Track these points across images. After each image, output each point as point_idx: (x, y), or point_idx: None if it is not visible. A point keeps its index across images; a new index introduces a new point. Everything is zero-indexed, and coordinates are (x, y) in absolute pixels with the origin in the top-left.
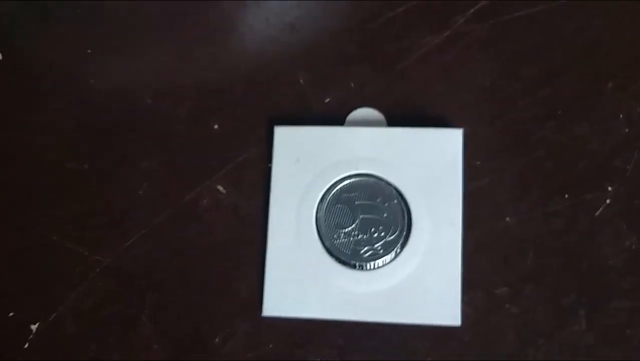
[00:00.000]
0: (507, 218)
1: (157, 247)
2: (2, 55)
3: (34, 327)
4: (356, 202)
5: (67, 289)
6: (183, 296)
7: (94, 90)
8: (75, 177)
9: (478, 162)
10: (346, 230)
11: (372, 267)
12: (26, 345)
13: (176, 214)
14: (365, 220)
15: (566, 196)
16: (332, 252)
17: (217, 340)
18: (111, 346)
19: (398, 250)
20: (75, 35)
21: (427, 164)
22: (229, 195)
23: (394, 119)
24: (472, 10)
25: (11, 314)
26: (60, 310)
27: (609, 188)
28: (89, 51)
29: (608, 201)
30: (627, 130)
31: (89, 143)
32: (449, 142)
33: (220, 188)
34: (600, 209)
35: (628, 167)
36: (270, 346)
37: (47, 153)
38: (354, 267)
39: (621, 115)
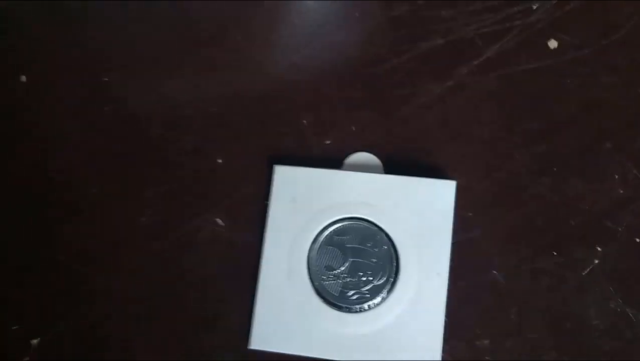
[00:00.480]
0: (494, 272)
1: (155, 273)
2: (26, 77)
3: (34, 342)
4: (347, 245)
5: (68, 307)
6: (176, 324)
7: (108, 117)
8: (84, 199)
9: (470, 214)
10: (336, 271)
11: (358, 310)
12: (27, 359)
13: (175, 243)
14: (355, 263)
15: (555, 253)
16: (321, 292)
17: None
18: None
19: (385, 295)
20: (94, 61)
21: (419, 213)
22: (226, 228)
23: (391, 165)
24: (476, 61)
25: (15, 327)
26: (60, 327)
27: (599, 249)
28: (106, 79)
29: (596, 261)
30: (621, 191)
31: (98, 168)
32: (442, 193)
33: (218, 220)
34: (588, 269)
35: (619, 229)
36: None
37: (57, 176)
38: (340, 308)
39: (617, 176)
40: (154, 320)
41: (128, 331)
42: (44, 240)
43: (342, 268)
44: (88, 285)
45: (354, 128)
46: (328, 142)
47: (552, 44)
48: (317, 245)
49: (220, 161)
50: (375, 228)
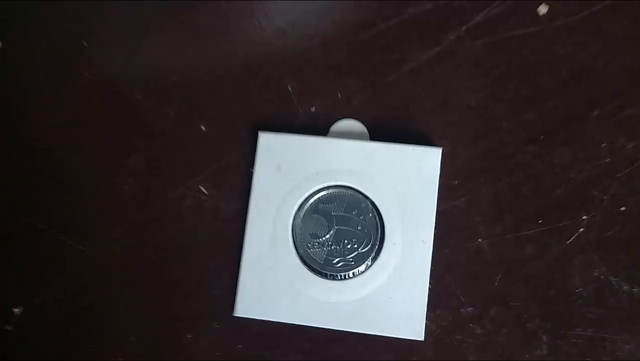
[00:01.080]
0: (479, 240)
1: (138, 242)
2: (2, 43)
3: (17, 311)
4: (332, 213)
5: (51, 276)
6: (159, 292)
7: (88, 83)
8: (65, 167)
9: (455, 182)
10: (321, 239)
11: (343, 277)
12: (9, 327)
13: (158, 211)
14: (340, 231)
15: (540, 222)
16: (306, 260)
17: (189, 336)
18: (90, 335)
19: (369, 263)
20: (73, 25)
21: (404, 180)
22: (211, 196)
23: (377, 132)
24: (465, 27)
25: None
26: (42, 296)
27: (584, 217)
28: (85, 44)
29: (581, 230)
30: (608, 159)
31: (79, 135)
32: (427, 161)
33: (202, 189)
34: (573, 237)
35: (605, 197)
36: (239, 346)
37: (37, 143)
38: (325, 276)
39: (603, 144)
40: (138, 288)
41: (111, 300)
42: (25, 209)
43: (327, 236)
44: (70, 253)
45: (339, 95)
46: (314, 108)
47: (542, 9)
48: (302, 213)
49: (204, 128)
50: (361, 196)
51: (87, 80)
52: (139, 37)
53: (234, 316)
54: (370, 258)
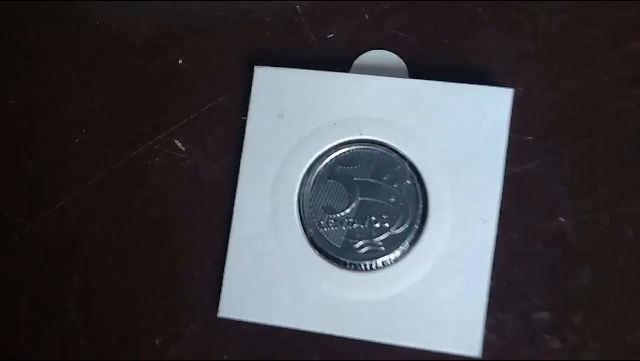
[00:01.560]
0: (561, 219)
1: (92, 213)
2: None
3: None
4: (355, 179)
5: None
6: (119, 281)
7: (32, 3)
8: (2, 113)
9: (529, 138)
10: (338, 215)
11: (368, 267)
12: None
13: (119, 173)
14: (364, 203)
15: None
16: (317, 242)
17: (157, 341)
18: (28, 335)
19: (406, 248)
20: None
21: (457, 135)
22: (189, 154)
23: (419, 68)
24: None
25: None
26: None
27: None
28: None
29: None
30: None
31: (17, 73)
32: (491, 106)
33: (178, 143)
34: None
35: None
36: (224, 357)
37: None
38: (344, 265)
39: None
40: (92, 276)
41: (55, 289)
42: None
43: (348, 211)
44: (5, 229)
45: (367, 16)
46: (331, 35)
47: None
48: (312, 178)
49: (181, 62)
50: (395, 155)
51: None
52: None
53: (218, 318)
54: (407, 241)
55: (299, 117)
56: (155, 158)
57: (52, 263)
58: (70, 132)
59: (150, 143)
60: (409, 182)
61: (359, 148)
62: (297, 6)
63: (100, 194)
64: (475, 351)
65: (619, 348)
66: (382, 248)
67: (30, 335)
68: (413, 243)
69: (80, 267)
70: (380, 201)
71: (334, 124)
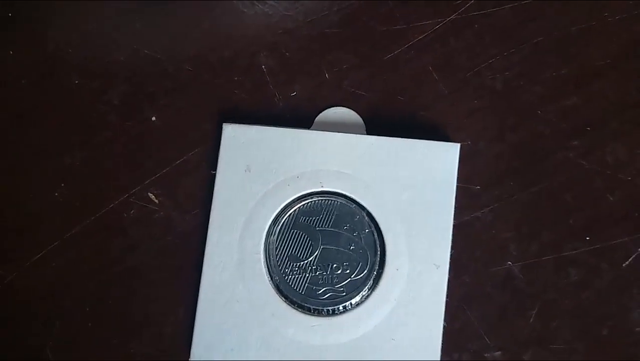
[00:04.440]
0: (509, 263)
1: (71, 264)
2: None
3: None
4: (317, 228)
5: None
6: (96, 329)
7: (11, 62)
8: None
9: (478, 187)
10: (302, 263)
11: (331, 312)
12: None
13: (97, 225)
14: (327, 251)
15: (588, 239)
16: (282, 289)
17: None
18: None
19: (365, 293)
20: None
21: (411, 186)
22: (162, 206)
23: (376, 124)
24: None
25: None
26: None
27: None
28: (10, 14)
29: None
30: None
31: (0, 127)
32: (441, 160)
33: (152, 196)
34: (631, 259)
35: None
36: None
37: None
38: (308, 310)
39: None
40: (67, 324)
41: (33, 336)
42: None
43: (311, 259)
44: None
45: (327, 76)
46: (294, 93)
47: None
48: (277, 228)
49: (154, 119)
50: (354, 205)
51: (11, 59)
52: (77, 6)
53: None
54: (366, 287)
55: (265, 171)
56: (131, 210)
57: (32, 312)
58: (50, 185)
59: (125, 196)
60: (367, 230)
61: (321, 199)
62: (263, 67)
63: (79, 245)
64: None
65: None
66: (344, 293)
67: None
68: (372, 288)
69: (59, 314)
70: (341, 249)
71: (297, 177)
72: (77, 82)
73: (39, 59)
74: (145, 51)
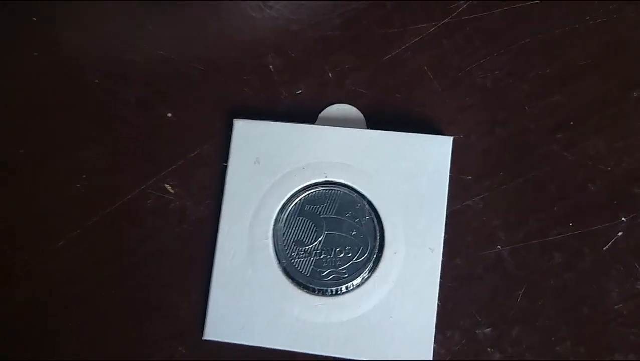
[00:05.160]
0: (498, 247)
1: (91, 250)
2: None
3: None
4: (321, 215)
5: None
6: (115, 311)
7: (37, 63)
8: (8, 161)
9: (469, 177)
10: (307, 247)
11: (333, 292)
12: None
13: (116, 214)
14: (330, 237)
15: (570, 225)
16: (289, 271)
17: None
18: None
19: (365, 275)
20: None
21: (408, 176)
22: (177, 196)
23: (375, 119)
24: None
25: None
26: None
27: (623, 219)
28: (34, 18)
29: (620, 234)
30: None
31: (25, 124)
32: (435, 152)
33: (167, 187)
34: (610, 243)
35: None
36: None
37: None
38: (313, 291)
39: None
40: (89, 306)
41: (57, 318)
42: None
43: (315, 243)
44: (11, 264)
45: (330, 75)
46: (299, 91)
47: None
48: (284, 216)
49: (170, 115)
50: (356, 194)
51: (36, 60)
52: (96, 10)
53: (203, 340)
54: (366, 269)
55: (273, 163)
56: (147, 200)
57: (53, 294)
58: (72, 177)
59: (142, 187)
60: (367, 217)
61: (325, 189)
62: (270, 66)
63: (99, 232)
64: None
65: (550, 359)
66: (346, 275)
67: (30, 359)
68: (372, 270)
69: (80, 298)
70: (343, 234)
71: (303, 169)
72: (96, 81)
73: (61, 60)
74: (160, 52)
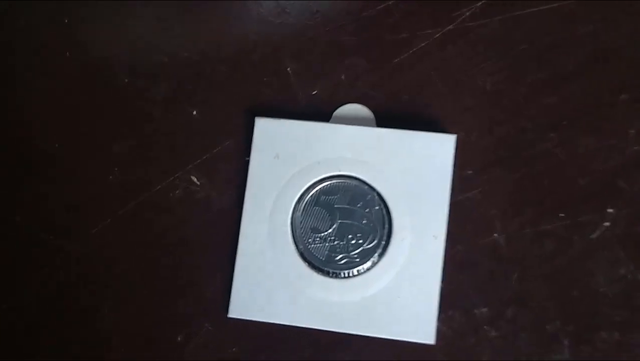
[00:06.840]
0: (495, 235)
1: (124, 236)
2: None
3: None
4: (335, 206)
5: (28, 273)
6: (147, 291)
7: (70, 64)
8: (44, 156)
9: (470, 172)
10: (322, 234)
11: (346, 275)
12: None
13: (146, 203)
14: (343, 225)
15: (561, 215)
16: (306, 256)
17: (179, 338)
18: (70, 337)
19: (375, 260)
20: (53, 2)
21: (414, 170)
22: (203, 187)
23: (384, 118)
24: (480, 3)
25: None
26: (20, 296)
27: (609, 210)
28: (66, 20)
29: (607, 224)
30: (636, 147)
31: (59, 121)
32: (440, 148)
33: (194, 179)
34: (597, 232)
35: (633, 189)
36: (233, 349)
37: (15, 130)
38: (327, 273)
39: (632, 131)
40: (123, 287)
41: (94, 299)
42: (1, 201)
43: (330, 231)
44: (49, 249)
45: (343, 77)
46: (315, 92)
47: None
48: (302, 205)
49: (195, 113)
50: (366, 187)
51: (68, 60)
52: (125, 13)
53: (228, 318)
54: (376, 254)
55: (291, 158)
56: (175, 191)
57: (90, 277)
58: (105, 169)
59: (171, 178)
60: (377, 207)
61: (338, 182)
62: (288, 69)
63: (131, 220)
64: (431, 339)
65: (542, 335)
66: (357, 260)
67: (74, 333)
68: (381, 255)
69: (115, 280)
70: (355, 223)
71: (318, 163)
72: (126, 80)
73: (93, 60)
74: (185, 54)
